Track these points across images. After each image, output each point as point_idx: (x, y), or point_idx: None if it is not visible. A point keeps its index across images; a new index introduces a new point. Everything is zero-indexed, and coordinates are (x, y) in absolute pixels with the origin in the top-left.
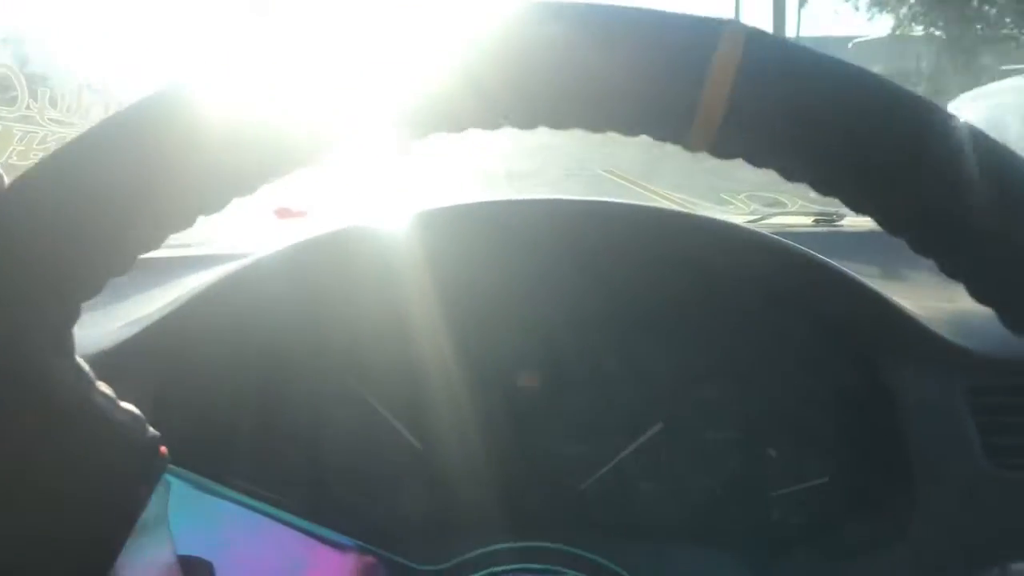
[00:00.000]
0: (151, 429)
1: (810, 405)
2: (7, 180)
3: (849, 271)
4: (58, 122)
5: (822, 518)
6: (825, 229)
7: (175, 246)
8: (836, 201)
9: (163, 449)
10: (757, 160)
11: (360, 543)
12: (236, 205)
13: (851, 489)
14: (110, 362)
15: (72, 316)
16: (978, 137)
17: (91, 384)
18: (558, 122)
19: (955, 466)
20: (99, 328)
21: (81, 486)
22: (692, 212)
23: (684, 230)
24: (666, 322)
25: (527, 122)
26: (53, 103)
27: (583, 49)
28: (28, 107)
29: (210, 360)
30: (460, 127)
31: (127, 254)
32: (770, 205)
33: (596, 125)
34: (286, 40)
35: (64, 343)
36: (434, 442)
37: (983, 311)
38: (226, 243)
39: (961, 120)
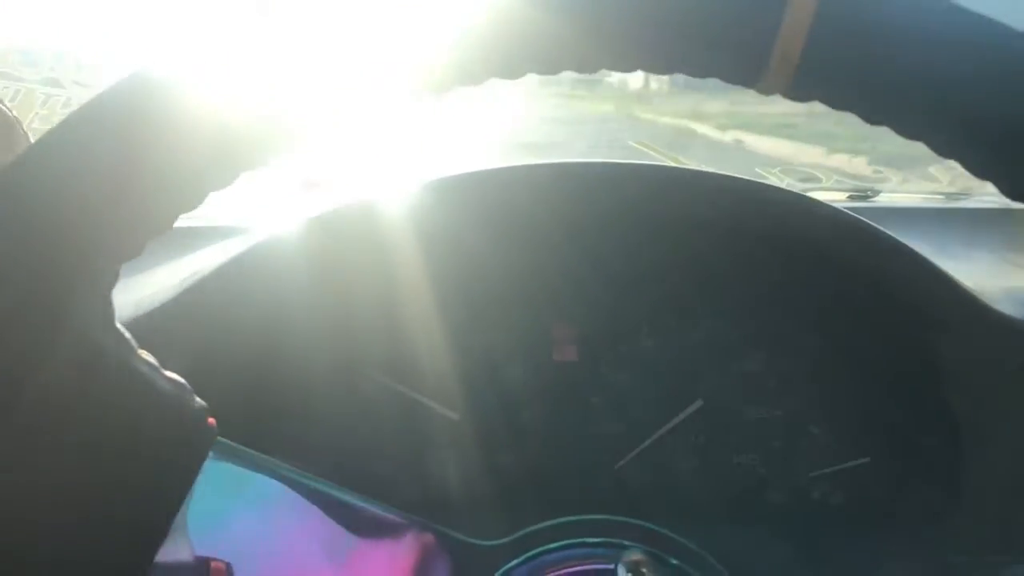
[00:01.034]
0: (198, 399)
1: (855, 382)
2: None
3: (901, 240)
4: (83, 85)
5: (863, 498)
6: (860, 204)
7: (197, 217)
8: (872, 177)
9: (211, 420)
10: (835, 103)
11: (417, 519)
12: (263, 177)
13: (893, 470)
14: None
15: (111, 280)
16: None
17: (133, 351)
18: (623, 64)
19: (1008, 446)
20: (120, 299)
21: (129, 457)
22: (734, 176)
23: (724, 194)
24: (705, 294)
25: (592, 65)
26: (78, 65)
27: None
28: (52, 69)
29: (240, 332)
30: (518, 74)
31: (165, 214)
32: (805, 180)
33: (665, 66)
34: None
35: (104, 309)
36: (469, 416)
37: None
38: (251, 215)
39: None
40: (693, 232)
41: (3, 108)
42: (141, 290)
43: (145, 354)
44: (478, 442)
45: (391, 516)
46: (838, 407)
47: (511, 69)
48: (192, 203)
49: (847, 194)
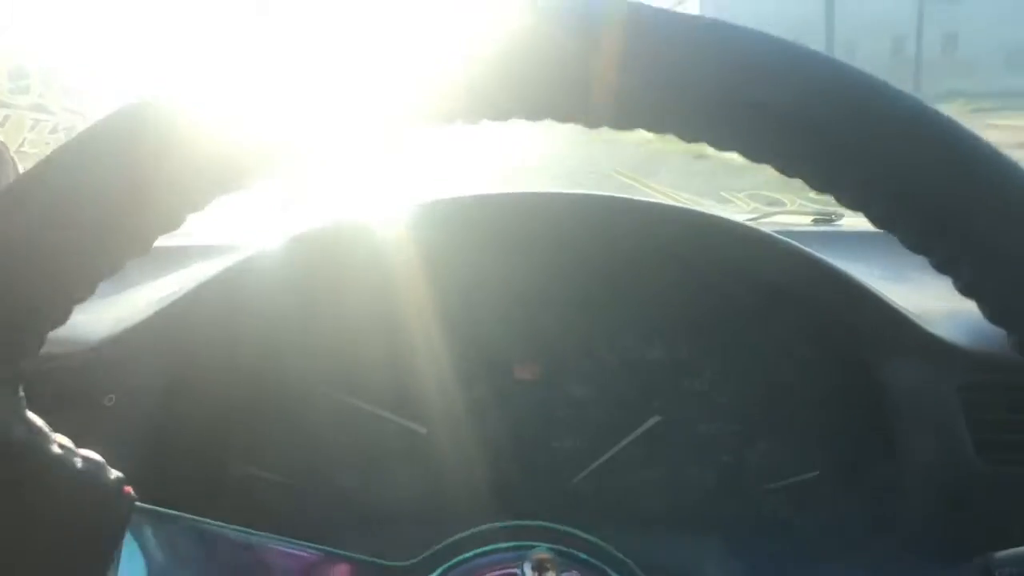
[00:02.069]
0: (113, 471)
1: (803, 400)
2: (21, 168)
3: (843, 269)
4: (71, 111)
5: (811, 511)
6: (823, 228)
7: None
8: (835, 201)
9: (128, 488)
10: (655, 127)
11: (326, 549)
12: (244, 197)
13: (841, 483)
14: (119, 349)
15: (31, 355)
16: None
17: (47, 437)
18: (469, 118)
19: (946, 463)
20: (103, 315)
21: (52, 540)
22: (690, 208)
23: (681, 225)
24: (662, 316)
25: (445, 118)
26: (66, 91)
27: (480, 42)
28: (41, 95)
29: (213, 349)
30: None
31: (92, 277)
32: (770, 204)
33: (503, 115)
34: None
35: (15, 401)
36: (436, 430)
37: (977, 310)
38: (231, 234)
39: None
40: (652, 261)
41: None
42: (121, 307)
43: (59, 437)
44: (436, 457)
45: (305, 553)
46: (787, 423)
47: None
48: (137, 250)
49: (811, 218)
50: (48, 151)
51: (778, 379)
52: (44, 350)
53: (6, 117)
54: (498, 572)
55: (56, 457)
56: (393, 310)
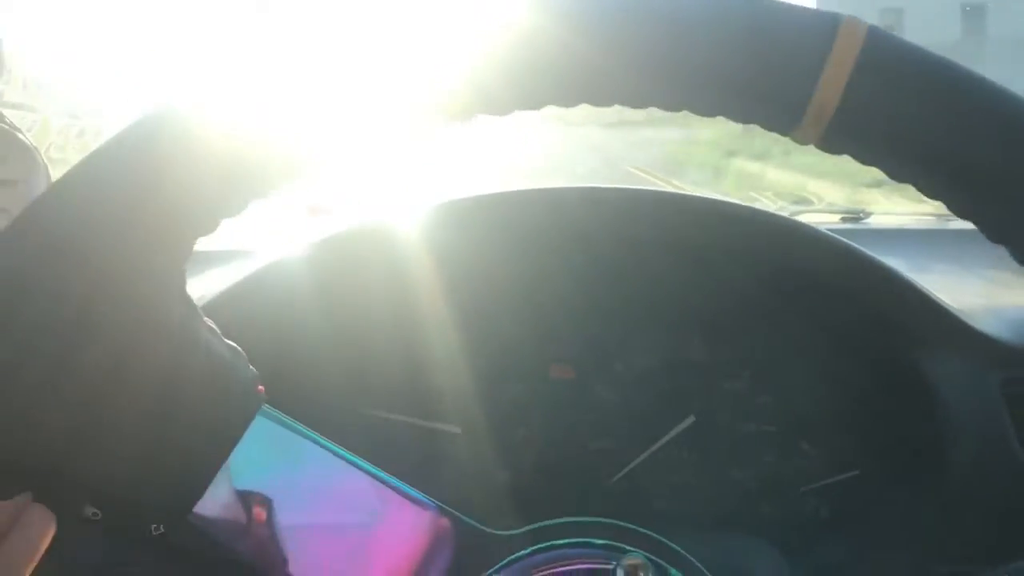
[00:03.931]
0: (251, 367)
1: (844, 398)
2: (53, 177)
3: (880, 260)
4: (97, 115)
5: (853, 510)
6: (852, 226)
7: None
8: (866, 200)
9: (260, 387)
10: (865, 158)
11: (439, 504)
12: (269, 202)
13: (883, 482)
14: None
15: (186, 252)
16: None
17: (199, 317)
18: (668, 104)
19: (990, 459)
20: None
21: (184, 411)
22: (723, 200)
23: (719, 218)
24: (698, 313)
25: (638, 102)
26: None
27: (698, 30)
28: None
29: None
30: (569, 103)
31: (236, 200)
32: (798, 203)
33: (707, 110)
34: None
35: (177, 279)
36: (470, 430)
37: (1019, 306)
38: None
39: None
40: (685, 255)
41: (21, 137)
42: None
43: (209, 321)
44: (479, 455)
45: (415, 496)
46: (827, 423)
47: (568, 98)
48: (260, 193)
49: (839, 216)
50: (76, 155)
51: (819, 376)
52: None
53: (34, 121)
54: (589, 566)
55: (203, 335)
56: (417, 314)
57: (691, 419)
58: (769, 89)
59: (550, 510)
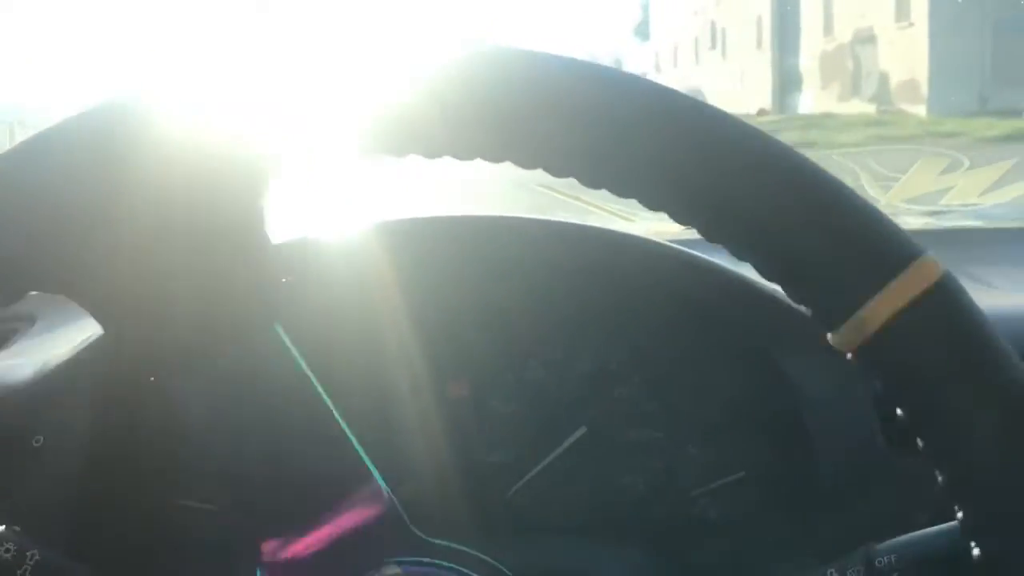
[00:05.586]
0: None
1: (721, 403)
2: None
3: (746, 275)
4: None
5: (739, 512)
6: None
7: None
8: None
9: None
10: (890, 387)
11: (389, 491)
12: None
13: (766, 482)
14: (45, 387)
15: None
16: None
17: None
18: (738, 252)
19: (854, 453)
20: (34, 355)
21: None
22: (607, 228)
23: (597, 243)
24: (584, 329)
25: (714, 237)
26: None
27: (781, 190)
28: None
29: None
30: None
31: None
32: None
33: (767, 272)
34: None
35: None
36: (370, 450)
37: None
38: None
39: None
40: (573, 277)
41: None
42: (54, 344)
43: None
44: (380, 470)
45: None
46: (711, 427)
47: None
48: None
49: None
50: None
51: (697, 383)
52: None
53: None
54: None
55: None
56: (325, 330)
57: (583, 430)
58: (830, 279)
59: (449, 524)
